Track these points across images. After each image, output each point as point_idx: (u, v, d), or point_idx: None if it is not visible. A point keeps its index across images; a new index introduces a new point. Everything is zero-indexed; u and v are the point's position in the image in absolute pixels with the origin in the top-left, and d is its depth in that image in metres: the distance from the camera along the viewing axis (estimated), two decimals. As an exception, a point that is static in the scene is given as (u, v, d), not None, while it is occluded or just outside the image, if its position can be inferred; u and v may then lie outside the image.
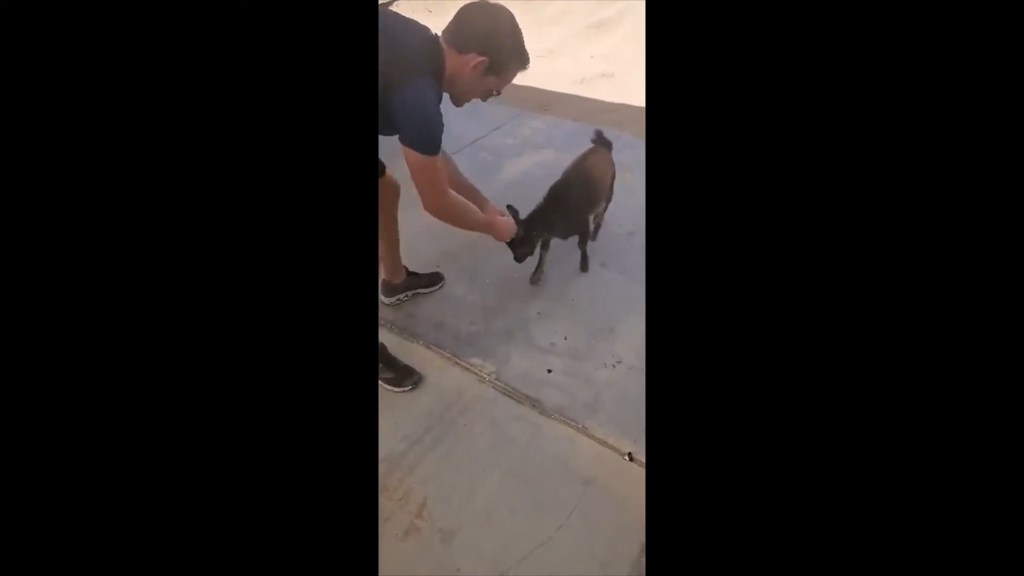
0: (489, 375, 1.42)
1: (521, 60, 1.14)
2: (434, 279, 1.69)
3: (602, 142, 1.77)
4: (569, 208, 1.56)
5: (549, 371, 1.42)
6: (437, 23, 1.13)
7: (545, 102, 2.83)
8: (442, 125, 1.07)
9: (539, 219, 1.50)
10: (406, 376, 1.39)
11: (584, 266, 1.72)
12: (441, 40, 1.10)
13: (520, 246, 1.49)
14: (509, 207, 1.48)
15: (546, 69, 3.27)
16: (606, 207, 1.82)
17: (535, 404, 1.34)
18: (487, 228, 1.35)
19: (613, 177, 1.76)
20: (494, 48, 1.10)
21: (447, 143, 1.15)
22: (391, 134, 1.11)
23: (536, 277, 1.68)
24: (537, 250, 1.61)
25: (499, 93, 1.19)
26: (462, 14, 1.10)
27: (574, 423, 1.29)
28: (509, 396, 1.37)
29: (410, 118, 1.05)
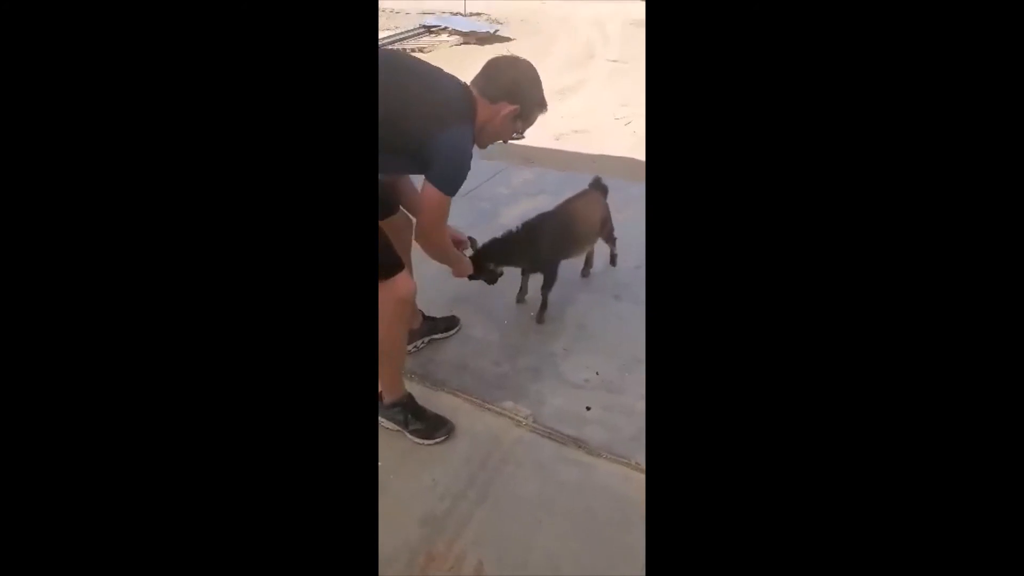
0: (525, 418, 1.33)
1: (543, 107, 1.25)
2: (451, 323, 1.62)
3: (598, 186, 1.82)
4: (539, 246, 1.56)
5: (588, 408, 1.35)
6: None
7: (528, 156, 2.94)
8: (467, 171, 1.14)
9: (495, 249, 1.51)
10: (438, 426, 1.28)
11: (540, 317, 1.66)
12: (472, 90, 1.18)
13: (478, 275, 1.49)
14: (470, 238, 1.50)
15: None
16: (614, 243, 1.86)
17: (580, 444, 1.26)
18: (454, 263, 1.39)
19: (605, 220, 1.78)
20: (523, 97, 1.19)
21: None
22: (416, 171, 1.16)
23: (520, 296, 1.74)
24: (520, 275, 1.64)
25: (523, 136, 1.27)
26: (493, 67, 1.20)
27: (624, 459, 1.21)
28: (550, 438, 1.28)
29: (448, 159, 1.11)
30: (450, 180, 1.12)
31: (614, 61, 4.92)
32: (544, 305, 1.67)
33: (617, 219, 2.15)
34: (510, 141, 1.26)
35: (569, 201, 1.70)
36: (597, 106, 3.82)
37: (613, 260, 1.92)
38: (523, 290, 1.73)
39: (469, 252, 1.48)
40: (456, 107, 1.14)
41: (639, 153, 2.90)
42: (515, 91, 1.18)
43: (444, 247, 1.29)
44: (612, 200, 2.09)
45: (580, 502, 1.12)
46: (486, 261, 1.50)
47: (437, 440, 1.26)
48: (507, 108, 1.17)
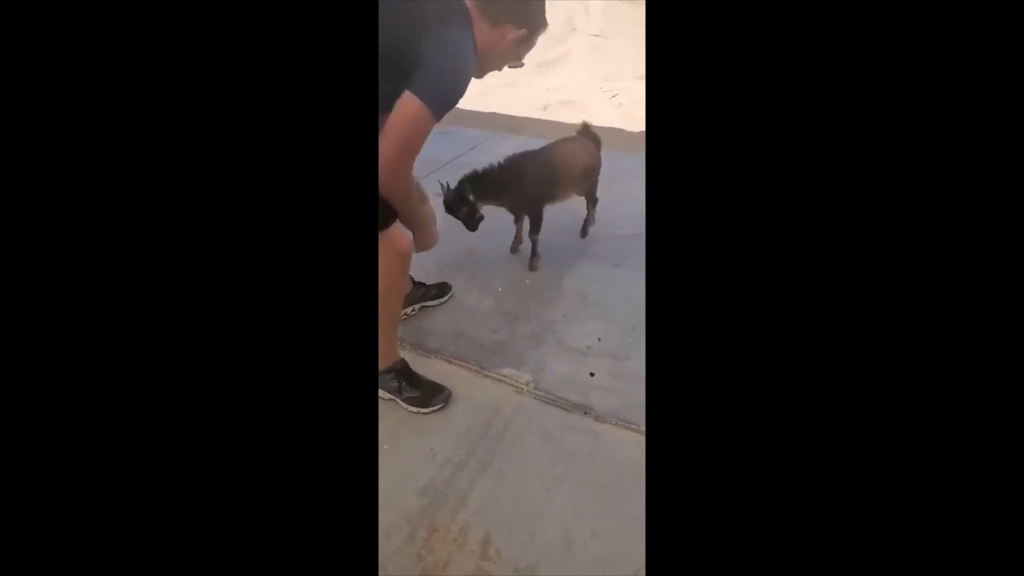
0: (526, 384, 1.26)
1: (545, 27, 1.07)
2: (443, 289, 1.52)
3: (587, 133, 1.73)
4: (522, 183, 1.49)
5: (592, 374, 1.29)
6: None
7: (514, 126, 2.84)
8: (464, 91, 0.90)
9: (475, 183, 1.43)
10: (434, 393, 1.19)
11: (532, 264, 1.64)
12: (470, 5, 0.99)
13: (456, 213, 1.41)
14: (440, 182, 1.42)
15: (509, 98, 3.33)
16: (594, 205, 1.79)
17: (587, 410, 1.19)
18: (417, 224, 1.08)
19: (591, 169, 1.69)
20: (531, 18, 1.03)
21: (421, 164, 0.97)
22: (399, 89, 0.87)
23: (514, 246, 1.69)
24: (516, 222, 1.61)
25: (522, 64, 1.10)
26: None
27: (634, 426, 1.16)
28: (554, 405, 1.21)
29: (440, 62, 0.86)
30: (439, 90, 0.86)
31: (596, 36, 4.83)
32: (534, 251, 1.62)
33: (613, 189, 2.10)
34: (508, 67, 1.06)
35: (556, 143, 1.64)
36: (583, 80, 3.73)
37: (585, 229, 1.81)
38: (517, 238, 1.68)
39: (439, 195, 1.36)
40: (452, 12, 0.92)
41: (627, 125, 2.84)
42: (522, 11, 1.00)
43: (407, 189, 0.98)
44: (606, 171, 2.02)
45: (589, 470, 1.06)
46: (465, 194, 1.39)
47: (433, 408, 1.18)
48: (513, 33, 0.99)
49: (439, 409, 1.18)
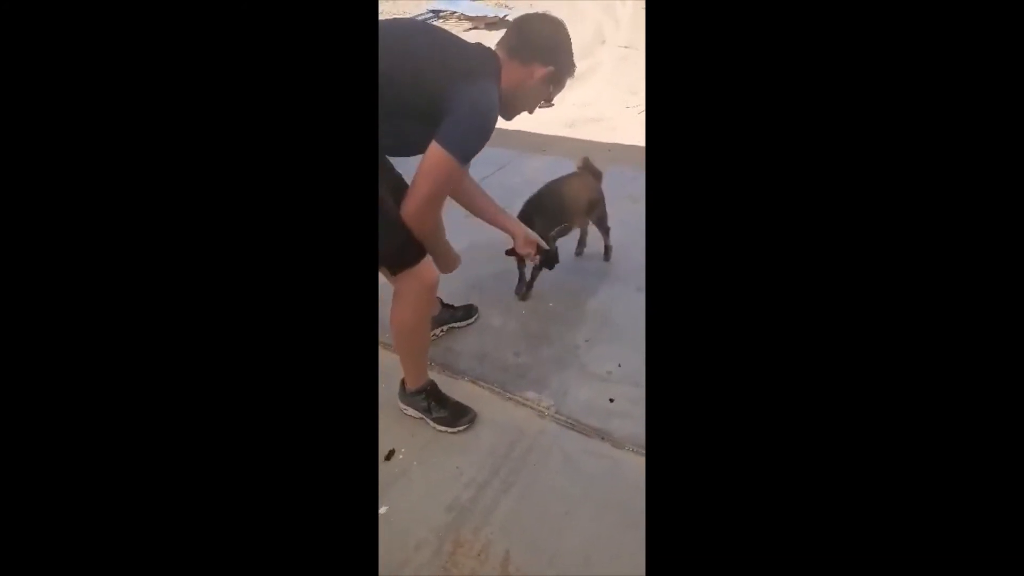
0: (548, 408, 1.32)
1: (573, 71, 1.14)
2: (469, 311, 1.61)
3: (588, 168, 1.80)
4: (535, 221, 1.54)
5: (611, 400, 1.34)
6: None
7: (541, 144, 2.90)
8: (487, 138, 0.98)
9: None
10: (461, 414, 1.27)
11: (522, 292, 1.68)
12: (499, 51, 1.07)
13: (541, 256, 1.47)
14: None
15: (536, 114, 3.39)
16: (607, 233, 1.84)
17: (605, 436, 1.25)
18: (440, 254, 1.23)
19: (595, 203, 1.74)
20: (559, 57, 1.08)
21: None
22: (412, 153, 0.99)
23: (525, 294, 1.68)
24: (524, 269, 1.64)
25: (552, 104, 1.16)
26: (525, 24, 1.08)
27: (651, 451, 1.20)
28: (575, 430, 1.27)
29: (466, 113, 0.94)
30: (463, 139, 0.94)
31: (625, 47, 4.85)
32: (531, 283, 1.69)
33: (635, 209, 2.14)
34: (536, 110, 1.13)
35: (557, 181, 1.70)
36: (609, 94, 3.76)
37: (607, 253, 1.86)
38: (522, 281, 1.69)
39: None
40: (481, 63, 1.00)
41: (653, 143, 2.86)
42: (551, 51, 1.05)
43: (433, 229, 1.12)
44: (628, 190, 2.06)
45: (609, 494, 1.11)
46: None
47: (460, 428, 1.25)
48: (541, 70, 1.05)
49: (465, 429, 1.26)
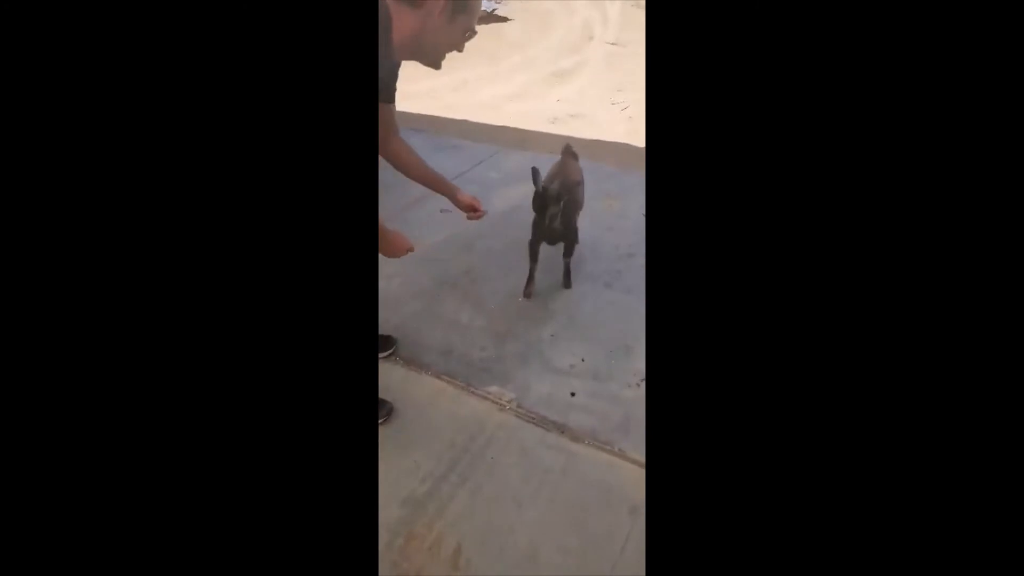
0: (509, 402, 1.33)
1: None
2: (387, 343, 1.49)
3: (569, 153, 1.86)
4: (571, 200, 1.58)
5: (572, 394, 1.35)
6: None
7: (521, 140, 2.90)
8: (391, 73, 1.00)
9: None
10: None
11: (566, 282, 1.73)
12: (389, 4, 0.92)
13: (545, 207, 1.49)
14: (533, 168, 1.51)
15: (518, 110, 3.39)
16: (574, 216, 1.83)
17: (564, 430, 1.25)
18: (441, 185, 1.26)
19: (579, 184, 1.76)
20: None
21: None
22: None
23: (529, 291, 1.70)
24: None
25: (475, 33, 1.01)
26: None
27: (609, 447, 1.21)
28: (534, 423, 1.28)
29: None
30: None
31: (613, 44, 4.84)
32: (569, 273, 1.74)
33: (612, 208, 2.15)
34: (465, 46, 0.99)
35: (565, 162, 1.77)
36: (594, 90, 3.76)
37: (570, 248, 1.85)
38: (531, 281, 1.70)
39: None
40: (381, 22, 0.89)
41: (634, 140, 2.87)
42: None
43: (405, 153, 1.16)
44: (605, 187, 2.06)
45: (562, 488, 1.12)
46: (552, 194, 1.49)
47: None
48: (438, 4, 0.91)
49: (383, 422, 1.26)
